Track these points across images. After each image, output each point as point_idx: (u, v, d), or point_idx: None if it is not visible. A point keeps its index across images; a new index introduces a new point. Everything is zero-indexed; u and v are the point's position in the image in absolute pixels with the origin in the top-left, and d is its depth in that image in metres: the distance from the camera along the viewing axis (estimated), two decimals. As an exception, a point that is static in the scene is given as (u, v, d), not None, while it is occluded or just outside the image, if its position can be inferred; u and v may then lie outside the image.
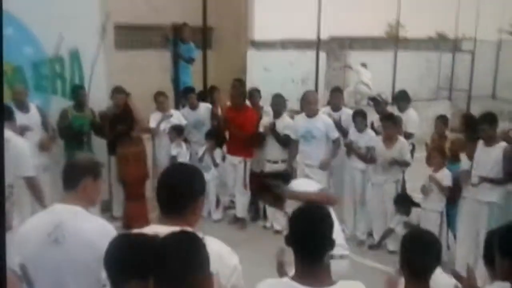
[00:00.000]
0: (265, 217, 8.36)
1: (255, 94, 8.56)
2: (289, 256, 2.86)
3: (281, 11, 16.41)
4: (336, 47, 15.64)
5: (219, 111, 8.85)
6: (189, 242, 2.06)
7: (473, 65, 15.02)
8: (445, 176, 6.78)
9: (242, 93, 8.28)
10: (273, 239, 7.63)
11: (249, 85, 11.47)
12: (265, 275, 2.05)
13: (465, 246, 6.44)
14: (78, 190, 3.02)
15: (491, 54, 16.25)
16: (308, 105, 7.41)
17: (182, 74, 9.61)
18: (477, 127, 6.37)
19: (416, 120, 8.07)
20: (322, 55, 12.98)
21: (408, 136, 7.70)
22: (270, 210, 8.11)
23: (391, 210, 7.32)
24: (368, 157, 7.35)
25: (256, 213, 8.52)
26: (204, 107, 8.67)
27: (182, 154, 8.17)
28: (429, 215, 6.91)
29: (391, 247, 7.37)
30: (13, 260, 2.87)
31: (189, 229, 2.36)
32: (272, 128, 7.77)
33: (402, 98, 8.31)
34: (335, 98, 8.16)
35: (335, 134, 7.43)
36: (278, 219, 7.97)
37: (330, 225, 2.41)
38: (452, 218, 6.97)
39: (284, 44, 17.01)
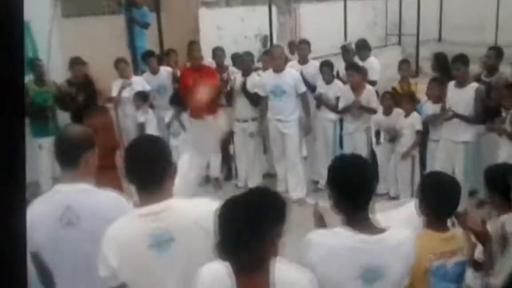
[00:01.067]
0: (237, 176, 8.36)
1: (219, 53, 8.40)
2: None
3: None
4: (282, 0, 15.53)
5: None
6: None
7: (419, 10, 15.21)
8: (415, 120, 6.92)
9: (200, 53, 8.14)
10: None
11: (203, 44, 11.35)
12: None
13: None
14: (80, 166, 2.85)
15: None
16: (275, 60, 7.35)
17: (137, 39, 9.35)
18: (451, 67, 6.53)
19: (378, 67, 8.13)
20: (273, 10, 12.91)
21: (371, 83, 7.74)
22: (242, 169, 8.13)
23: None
24: (340, 107, 7.41)
25: (228, 172, 8.51)
26: (165, 71, 8.47)
27: (150, 120, 8.02)
28: (402, 160, 7.07)
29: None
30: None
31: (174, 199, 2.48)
32: (243, 86, 7.67)
33: (362, 47, 8.34)
34: (302, 51, 8.09)
35: (303, 88, 7.41)
36: (252, 178, 8.00)
37: (374, 170, 2.46)
38: (423, 161, 7.17)
39: (229, 1, 16.80)
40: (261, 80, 7.59)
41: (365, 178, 2.41)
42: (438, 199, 2.86)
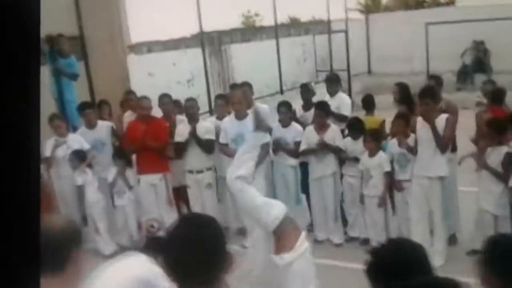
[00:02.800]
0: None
1: (166, 101, 7.69)
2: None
3: (151, 12, 15.51)
4: (206, 42, 15.08)
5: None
6: None
7: (348, 45, 15.18)
8: (383, 160, 6.50)
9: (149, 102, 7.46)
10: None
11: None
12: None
13: (420, 227, 6.19)
14: (66, 271, 2.10)
15: (360, 32, 16.60)
16: (234, 106, 6.75)
17: (65, 92, 8.49)
18: (418, 101, 6.17)
19: (349, 102, 7.67)
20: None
21: (343, 119, 7.33)
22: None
23: (330, 205, 6.98)
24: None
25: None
26: (104, 125, 7.69)
27: (89, 181, 7.19)
28: (370, 200, 6.63)
29: (336, 240, 7.02)
30: None
31: None
32: (193, 134, 6.98)
33: (333, 81, 7.87)
34: (245, 93, 7.49)
35: (266, 138, 6.81)
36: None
37: None
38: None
39: (151, 46, 16.16)
40: (222, 127, 6.97)
41: None
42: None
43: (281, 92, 12.99)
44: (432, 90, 6.24)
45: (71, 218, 2.32)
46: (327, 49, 15.59)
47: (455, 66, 15.43)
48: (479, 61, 15.52)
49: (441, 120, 5.96)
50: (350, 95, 15.03)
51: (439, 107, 6.26)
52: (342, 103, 7.55)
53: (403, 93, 7.44)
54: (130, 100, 8.26)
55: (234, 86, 10.33)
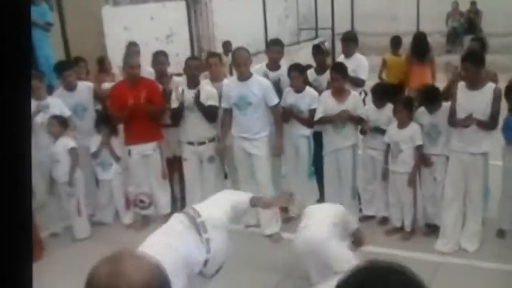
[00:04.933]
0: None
1: (161, 59, 6.66)
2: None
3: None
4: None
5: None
6: None
7: (333, 1, 14.27)
8: (415, 133, 5.72)
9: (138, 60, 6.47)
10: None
11: (110, 49, 9.63)
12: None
13: (455, 208, 5.53)
14: None
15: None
16: (239, 67, 5.89)
17: (40, 46, 7.40)
18: (460, 66, 5.40)
19: (367, 64, 6.80)
20: (182, 5, 11.31)
21: (359, 83, 6.57)
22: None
23: (347, 180, 6.19)
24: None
25: (174, 207, 6.81)
26: (84, 87, 6.66)
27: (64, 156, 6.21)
28: (397, 177, 5.88)
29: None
30: None
31: None
32: (197, 100, 6.05)
33: (349, 41, 6.99)
34: (274, 53, 6.62)
35: (274, 99, 6.00)
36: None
37: None
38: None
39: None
40: (224, 90, 6.09)
41: None
42: None
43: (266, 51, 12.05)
44: (473, 53, 5.50)
45: (158, 267, 1.45)
46: (309, 5, 14.63)
47: (445, 27, 14.77)
48: (470, 22, 14.87)
49: (487, 90, 5.23)
50: (333, 55, 14.32)
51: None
52: (359, 65, 6.72)
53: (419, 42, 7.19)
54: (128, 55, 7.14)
55: (227, 44, 9.52)
